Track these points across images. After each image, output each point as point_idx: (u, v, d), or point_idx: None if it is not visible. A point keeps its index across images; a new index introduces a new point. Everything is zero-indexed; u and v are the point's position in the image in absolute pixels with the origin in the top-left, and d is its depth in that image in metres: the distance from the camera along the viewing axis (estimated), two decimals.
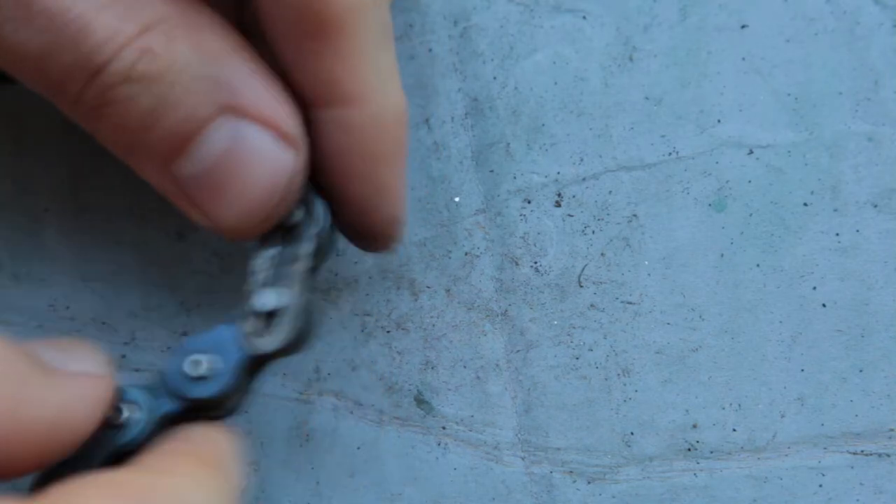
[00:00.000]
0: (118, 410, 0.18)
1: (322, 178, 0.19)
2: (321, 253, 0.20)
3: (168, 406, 0.18)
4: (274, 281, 0.19)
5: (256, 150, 0.18)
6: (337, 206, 0.19)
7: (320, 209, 0.19)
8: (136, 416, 0.18)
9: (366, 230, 0.20)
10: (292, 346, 0.19)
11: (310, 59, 0.17)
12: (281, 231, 0.19)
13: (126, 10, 0.16)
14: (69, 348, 0.17)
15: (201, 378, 0.18)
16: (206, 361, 0.18)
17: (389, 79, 0.18)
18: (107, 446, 0.18)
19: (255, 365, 0.19)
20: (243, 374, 0.19)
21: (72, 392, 0.16)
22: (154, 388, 0.18)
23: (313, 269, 0.19)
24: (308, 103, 0.18)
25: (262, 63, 0.18)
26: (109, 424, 0.18)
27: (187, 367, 0.18)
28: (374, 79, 0.18)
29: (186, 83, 0.17)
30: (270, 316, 0.19)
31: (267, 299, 0.19)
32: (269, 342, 0.18)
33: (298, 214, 0.19)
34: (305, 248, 0.19)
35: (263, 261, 0.19)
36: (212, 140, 0.17)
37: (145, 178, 0.18)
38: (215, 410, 0.19)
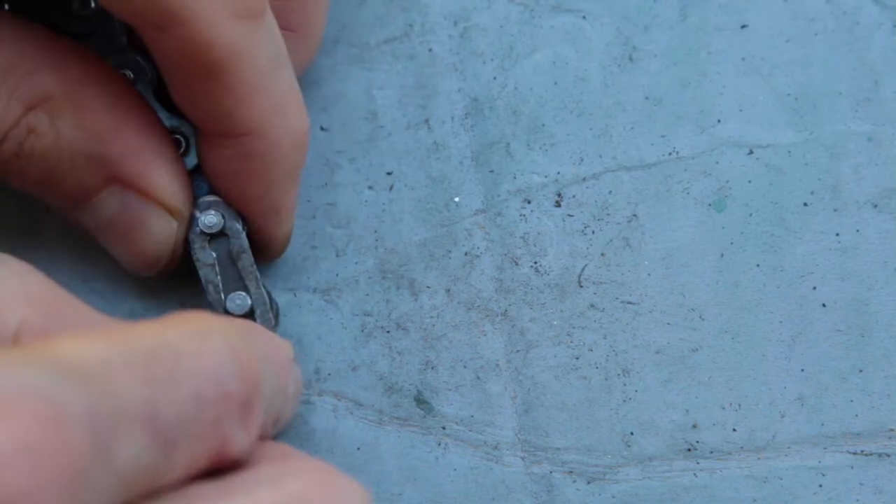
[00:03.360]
0: None
1: (221, 195, 0.21)
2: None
3: None
4: (231, 283, 0.21)
5: (141, 219, 0.20)
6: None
7: (230, 210, 0.21)
8: None
9: (256, 242, 0.21)
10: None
11: (201, 97, 0.18)
12: (207, 238, 0.21)
13: (14, 88, 0.18)
14: None
15: None
16: None
17: (286, 106, 0.19)
18: None
19: None
20: None
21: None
22: None
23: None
24: (206, 135, 0.19)
25: (151, 132, 0.19)
26: None
27: None
28: (267, 109, 0.18)
29: (71, 159, 0.18)
30: (247, 315, 0.21)
31: (239, 301, 0.20)
32: None
33: (216, 220, 0.20)
34: (239, 243, 0.20)
35: (209, 271, 0.20)
36: (102, 205, 0.19)
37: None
38: None
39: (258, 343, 0.15)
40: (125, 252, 0.20)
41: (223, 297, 0.20)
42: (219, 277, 0.20)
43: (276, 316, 0.22)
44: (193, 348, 0.13)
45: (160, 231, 0.20)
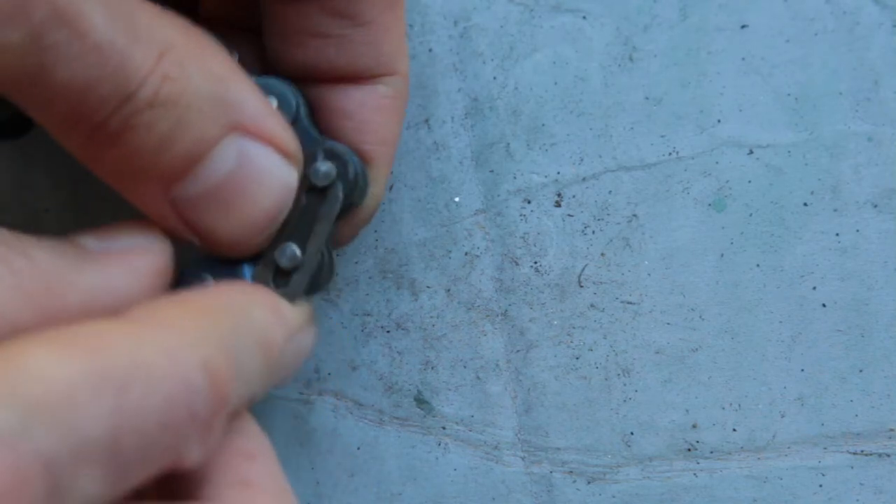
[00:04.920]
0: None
1: (350, 140, 0.20)
2: (354, 198, 0.20)
3: None
4: (297, 235, 0.19)
5: (262, 168, 0.18)
6: None
7: (354, 162, 0.20)
8: None
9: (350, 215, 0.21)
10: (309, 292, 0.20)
11: (388, 34, 0.19)
12: (313, 188, 0.19)
13: (147, 38, 0.17)
14: (114, 232, 0.17)
15: None
16: None
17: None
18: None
19: None
20: None
21: (109, 272, 0.16)
22: None
23: (338, 217, 0.20)
24: (355, 78, 0.20)
25: (254, 83, 0.19)
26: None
27: None
28: (405, 48, 0.20)
29: (199, 105, 0.18)
30: (288, 270, 0.19)
31: (290, 253, 0.19)
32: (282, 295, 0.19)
33: (329, 171, 0.19)
34: (332, 208, 0.19)
35: (293, 211, 0.19)
36: (218, 160, 0.18)
37: (138, 204, 0.18)
38: None
39: (246, 329, 0.15)
40: (240, 216, 0.19)
41: (278, 241, 0.19)
42: (293, 224, 0.19)
43: (327, 281, 0.20)
44: (166, 367, 0.13)
45: (282, 180, 0.19)
